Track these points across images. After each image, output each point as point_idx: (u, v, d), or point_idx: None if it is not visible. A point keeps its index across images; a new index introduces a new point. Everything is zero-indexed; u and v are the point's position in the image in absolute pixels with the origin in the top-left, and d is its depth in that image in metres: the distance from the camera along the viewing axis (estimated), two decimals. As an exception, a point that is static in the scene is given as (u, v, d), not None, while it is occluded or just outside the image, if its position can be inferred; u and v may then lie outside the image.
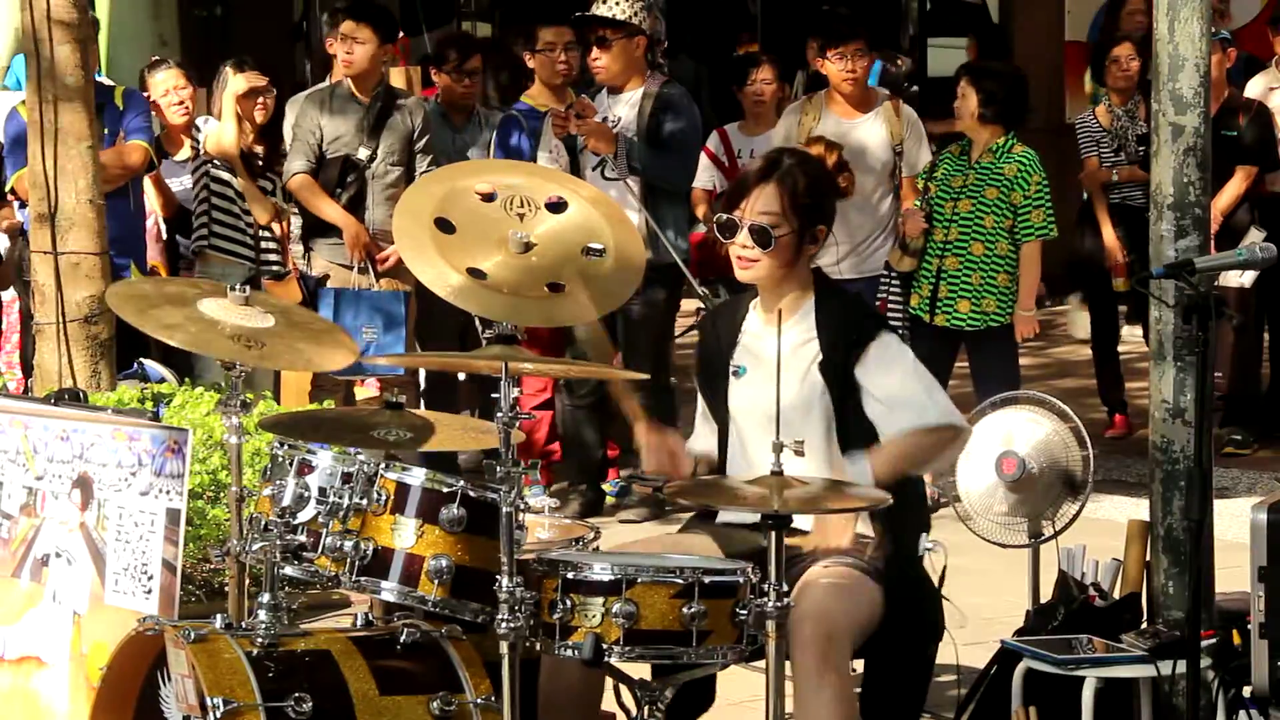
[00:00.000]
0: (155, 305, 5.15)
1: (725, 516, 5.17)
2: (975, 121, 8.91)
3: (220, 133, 9.36)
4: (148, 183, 9.48)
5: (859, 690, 5.10)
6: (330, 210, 9.07)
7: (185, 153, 9.79)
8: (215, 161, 9.35)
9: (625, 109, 9.04)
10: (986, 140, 8.94)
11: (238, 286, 5.19)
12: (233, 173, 9.34)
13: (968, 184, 8.95)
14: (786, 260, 5.05)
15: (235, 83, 9.35)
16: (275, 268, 9.43)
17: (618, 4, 8.98)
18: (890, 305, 9.12)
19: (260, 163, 9.44)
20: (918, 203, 9.14)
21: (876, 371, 5.00)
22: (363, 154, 9.04)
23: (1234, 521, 7.65)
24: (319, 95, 9.30)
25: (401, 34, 11.41)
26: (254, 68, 9.37)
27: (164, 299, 5.18)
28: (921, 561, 5.08)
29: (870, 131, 9.36)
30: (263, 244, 9.44)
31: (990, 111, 8.89)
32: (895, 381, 5.00)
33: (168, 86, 9.68)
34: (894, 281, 9.13)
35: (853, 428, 5.00)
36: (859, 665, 5.13)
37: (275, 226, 9.50)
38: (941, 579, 5.13)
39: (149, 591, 5.45)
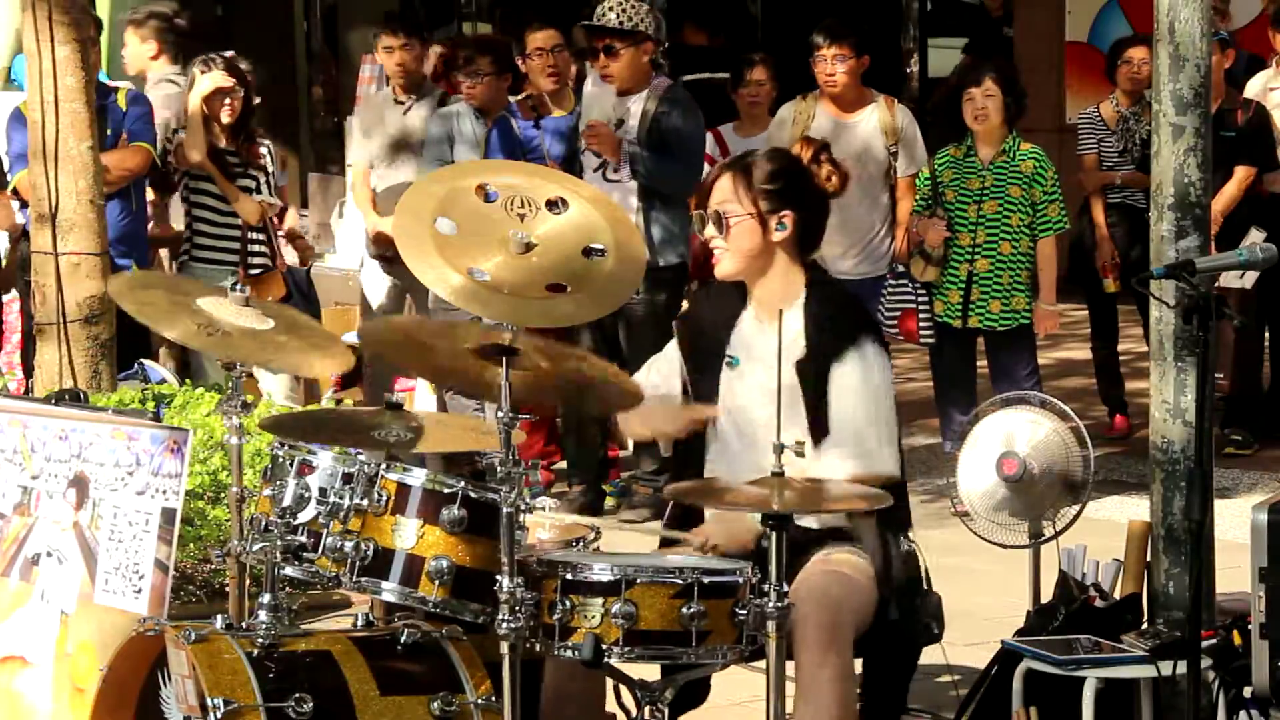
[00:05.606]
0: (156, 297, 5.17)
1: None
2: (1001, 121, 8.93)
3: (185, 144, 9.15)
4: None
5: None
6: None
7: None
8: (191, 173, 9.20)
9: (631, 111, 9.02)
10: (1000, 139, 8.96)
11: (237, 288, 5.19)
12: (210, 180, 9.16)
13: (987, 186, 8.96)
14: (750, 246, 5.07)
15: (200, 83, 9.14)
16: (263, 268, 9.29)
17: (624, 10, 8.91)
18: (920, 316, 9.09)
19: (236, 163, 9.21)
20: (918, 207, 9.11)
21: (838, 387, 4.99)
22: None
23: (1235, 522, 7.64)
24: None
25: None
26: (221, 67, 9.14)
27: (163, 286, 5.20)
28: (915, 561, 5.10)
29: (863, 130, 9.34)
30: (251, 245, 9.22)
31: (1012, 111, 8.92)
32: (848, 407, 4.99)
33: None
34: (920, 291, 9.10)
35: (822, 423, 4.99)
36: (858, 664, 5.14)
37: (290, 221, 9.36)
38: (926, 579, 5.16)
39: (139, 591, 5.44)
